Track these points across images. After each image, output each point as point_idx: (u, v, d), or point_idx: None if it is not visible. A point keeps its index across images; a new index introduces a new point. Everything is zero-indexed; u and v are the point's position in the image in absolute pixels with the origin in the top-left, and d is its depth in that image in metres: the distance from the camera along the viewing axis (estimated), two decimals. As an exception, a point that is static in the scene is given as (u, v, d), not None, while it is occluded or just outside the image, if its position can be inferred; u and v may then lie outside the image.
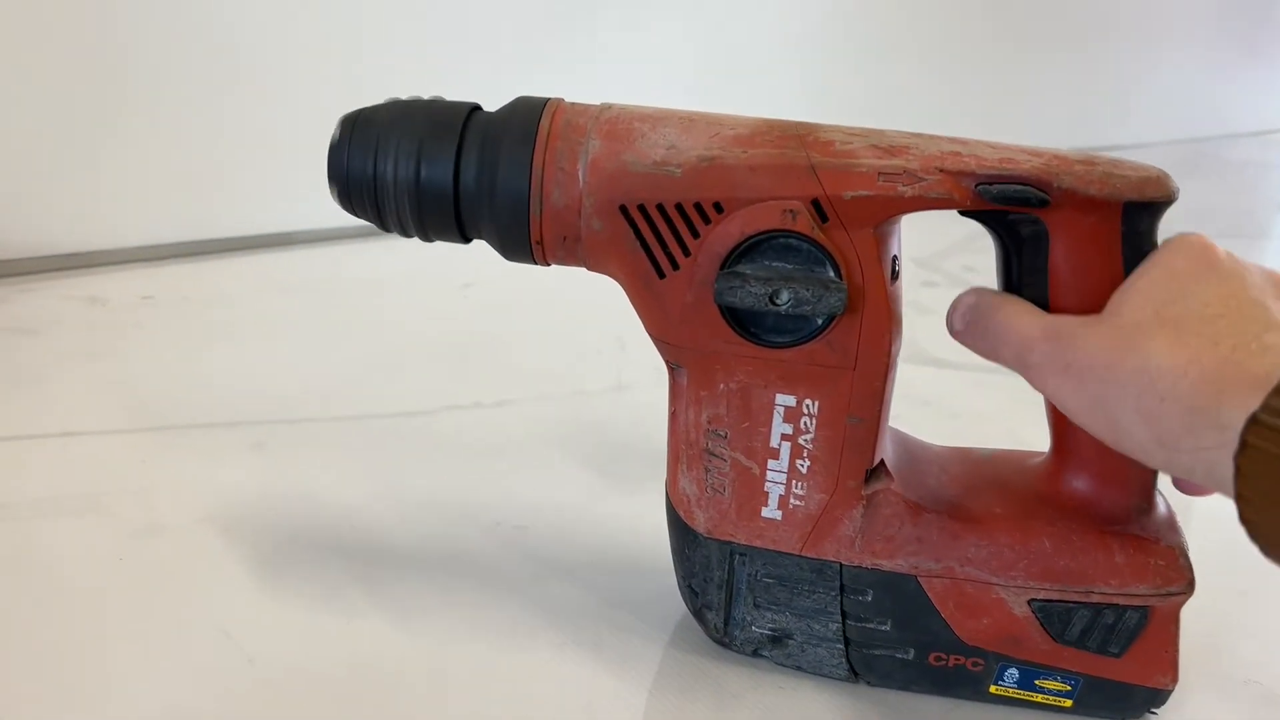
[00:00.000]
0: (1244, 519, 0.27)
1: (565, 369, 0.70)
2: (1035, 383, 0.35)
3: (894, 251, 0.37)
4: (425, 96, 0.39)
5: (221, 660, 0.41)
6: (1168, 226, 0.36)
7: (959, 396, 0.70)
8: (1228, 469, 0.27)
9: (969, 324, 0.37)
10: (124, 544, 0.48)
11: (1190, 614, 0.38)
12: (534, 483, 0.56)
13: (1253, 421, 0.26)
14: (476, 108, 0.38)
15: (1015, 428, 0.63)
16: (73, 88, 0.79)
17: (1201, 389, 0.28)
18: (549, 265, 0.39)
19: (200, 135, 0.85)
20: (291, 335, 0.75)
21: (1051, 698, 0.40)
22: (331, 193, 0.38)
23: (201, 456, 0.56)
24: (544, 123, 0.37)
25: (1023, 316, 0.35)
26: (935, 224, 0.36)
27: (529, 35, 0.99)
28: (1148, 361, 0.30)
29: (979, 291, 0.37)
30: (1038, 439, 0.41)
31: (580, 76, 1.03)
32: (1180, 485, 0.37)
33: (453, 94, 0.39)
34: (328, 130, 0.38)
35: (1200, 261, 0.33)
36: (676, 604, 0.44)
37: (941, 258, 0.99)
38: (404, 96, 0.39)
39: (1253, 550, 0.28)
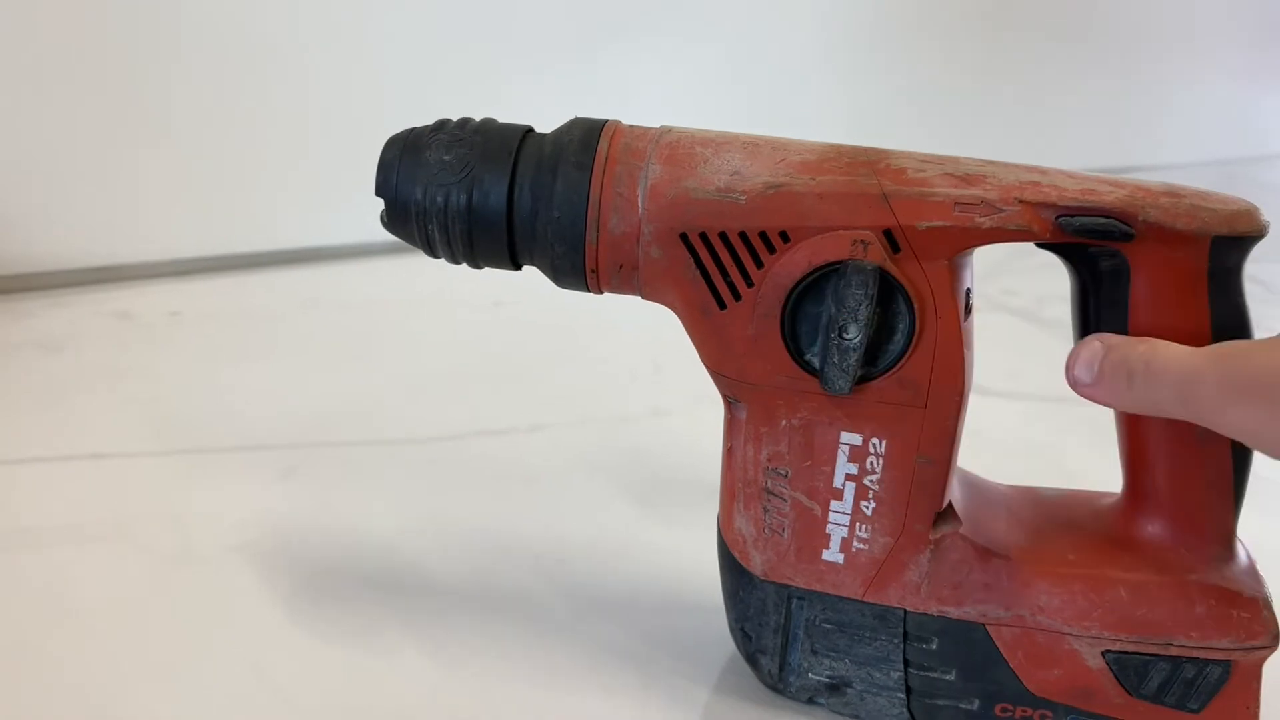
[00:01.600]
0: None
1: (599, 392, 0.69)
2: (1211, 418, 0.30)
3: (968, 284, 0.35)
4: (476, 118, 0.37)
5: (254, 699, 0.40)
6: None
7: (1007, 427, 0.68)
8: None
9: (1102, 374, 0.33)
10: (153, 573, 0.47)
11: (1272, 666, 0.36)
12: (572, 513, 0.54)
13: None
14: (530, 130, 0.37)
15: (1068, 460, 0.61)
16: (100, 100, 0.78)
17: None
18: (602, 293, 0.37)
19: (230, 148, 0.84)
20: (319, 354, 0.73)
21: (1124, 753, 0.38)
22: (380, 218, 0.37)
23: (232, 482, 0.55)
24: (602, 146, 0.35)
25: (1173, 349, 0.32)
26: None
27: (559, 57, 0.98)
28: None
29: (1103, 337, 0.34)
30: (1086, 469, 0.39)
31: (612, 98, 1.02)
32: None
33: (484, 114, 0.38)
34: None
35: None
36: (724, 645, 0.43)
37: (981, 280, 0.96)
38: (453, 117, 0.38)
39: None
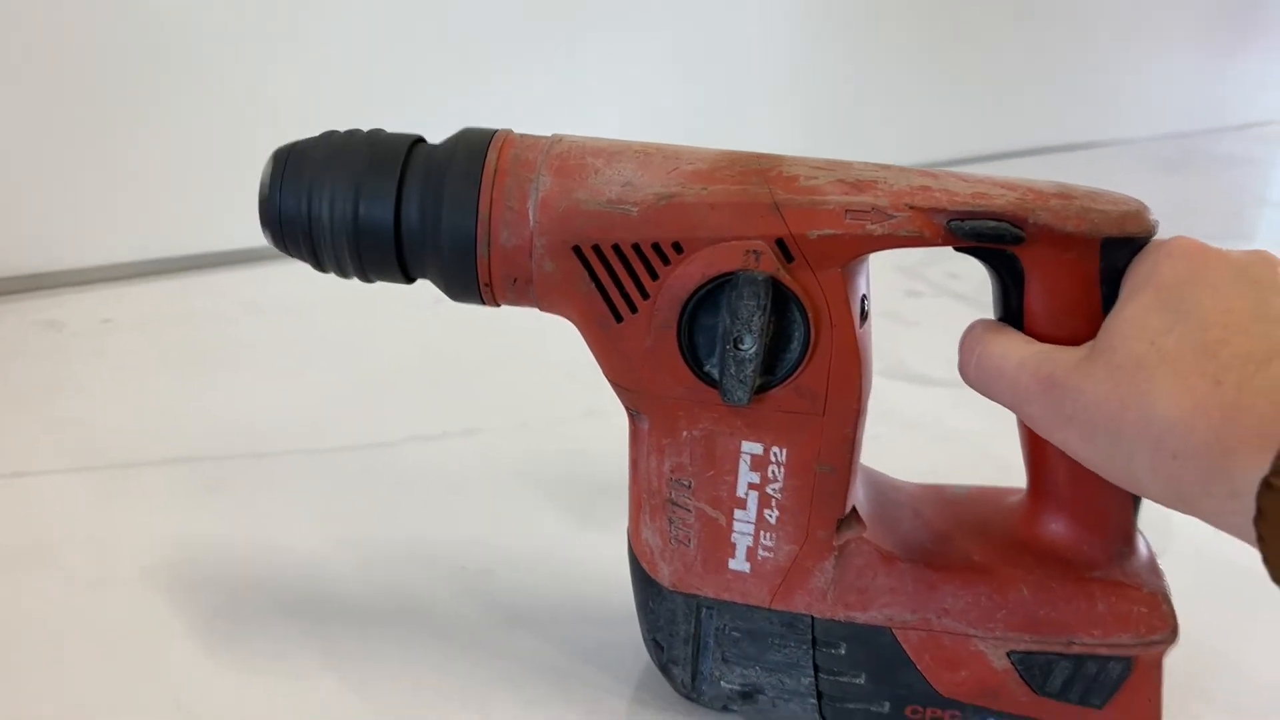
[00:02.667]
0: (1276, 579, 0.25)
1: (536, 394, 0.68)
2: (1041, 432, 0.33)
3: (863, 291, 0.35)
4: (364, 128, 0.37)
5: None
6: (1163, 227, 0.34)
7: (942, 416, 0.68)
8: (1251, 531, 0.25)
9: (968, 359, 0.35)
10: (71, 599, 0.46)
11: (1178, 653, 0.37)
12: (502, 522, 0.54)
13: (1266, 487, 0.25)
14: (419, 140, 0.36)
15: (1003, 449, 0.61)
16: (26, 103, 0.76)
17: (1212, 446, 0.27)
18: (499, 306, 0.37)
19: (160, 149, 0.82)
20: (254, 360, 0.72)
21: (1033, 750, 0.38)
22: (264, 234, 0.36)
23: (157, 498, 0.54)
24: (491, 157, 0.34)
25: (1014, 355, 0.33)
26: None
27: (505, 53, 0.97)
28: (1153, 413, 0.28)
29: (981, 324, 0.35)
30: (1019, 458, 0.39)
31: (554, 103, 1.01)
32: None
33: (425, 121, 0.37)
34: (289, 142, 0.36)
35: (1190, 269, 0.30)
36: (643, 655, 0.42)
37: (925, 265, 0.96)
38: (342, 129, 0.37)
39: (1237, 582, 0.26)
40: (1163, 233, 0.33)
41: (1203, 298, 0.29)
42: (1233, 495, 0.26)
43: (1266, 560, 0.25)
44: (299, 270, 0.37)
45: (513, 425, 0.64)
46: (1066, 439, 0.31)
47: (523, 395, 0.68)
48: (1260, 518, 0.25)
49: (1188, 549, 0.49)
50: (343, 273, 0.36)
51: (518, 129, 0.36)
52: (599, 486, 0.56)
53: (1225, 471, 0.26)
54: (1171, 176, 1.45)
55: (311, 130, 0.37)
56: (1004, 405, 0.34)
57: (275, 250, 0.37)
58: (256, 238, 0.36)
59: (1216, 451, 0.26)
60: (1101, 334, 0.31)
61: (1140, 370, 0.29)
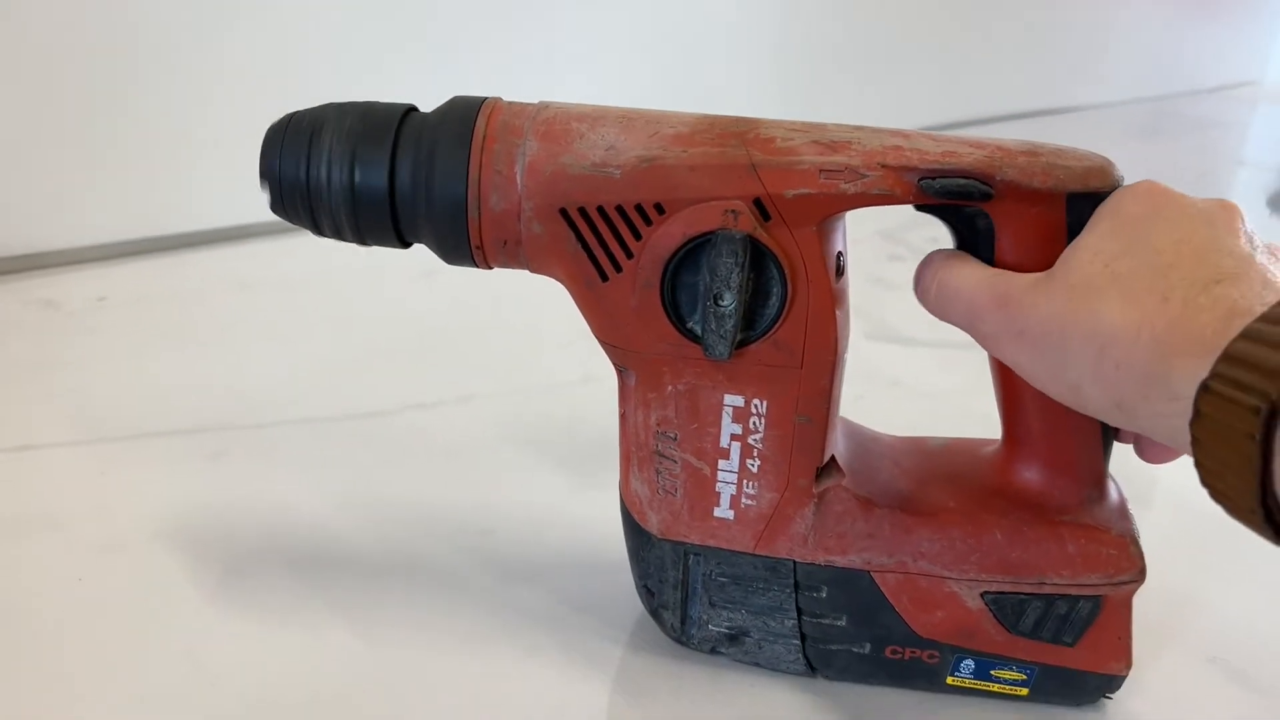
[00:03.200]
0: (1205, 483, 0.27)
1: (532, 361, 0.70)
2: (992, 350, 0.34)
3: (839, 248, 0.37)
4: (360, 100, 0.38)
5: (186, 683, 0.41)
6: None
7: (927, 375, 0.70)
8: (1186, 435, 0.27)
9: (926, 285, 0.36)
10: (83, 563, 0.47)
11: (1156, 593, 0.38)
12: (499, 483, 0.55)
13: (1204, 390, 0.26)
14: (412, 109, 0.38)
15: (984, 406, 0.63)
16: (17, 86, 0.77)
17: (1153, 354, 0.28)
18: (491, 268, 0.38)
19: (151, 130, 0.83)
20: (249, 334, 0.74)
21: (1008, 687, 0.40)
22: (265, 199, 0.38)
23: (160, 467, 0.55)
24: (480, 124, 0.36)
25: (971, 278, 0.35)
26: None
27: (481, 27, 0.97)
28: (1099, 325, 0.29)
29: (939, 254, 0.37)
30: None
31: (536, 72, 1.02)
32: (1144, 454, 0.37)
33: (405, 93, 0.38)
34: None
35: (1151, 206, 0.32)
36: (636, 603, 0.44)
37: (906, 229, 0.98)
38: (339, 100, 0.38)
39: (1218, 528, 0.27)
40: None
41: (1160, 229, 0.31)
42: (1171, 399, 0.27)
43: (1198, 464, 0.26)
44: (291, 246, 0.38)
45: (507, 391, 0.66)
46: (1017, 355, 0.33)
47: (519, 362, 0.70)
48: (1196, 419, 0.26)
49: (1169, 502, 0.50)
50: (340, 236, 0.38)
51: (505, 98, 0.38)
52: (594, 448, 0.58)
53: (1164, 378, 0.27)
54: (1146, 140, 1.45)
55: (300, 106, 0.38)
56: (960, 326, 0.35)
57: (266, 227, 0.38)
58: (247, 215, 0.38)
59: (1157, 359, 0.28)
60: (1059, 261, 0.33)
61: (1092, 288, 0.30)
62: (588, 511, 0.52)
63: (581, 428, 0.61)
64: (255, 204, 0.37)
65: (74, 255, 0.83)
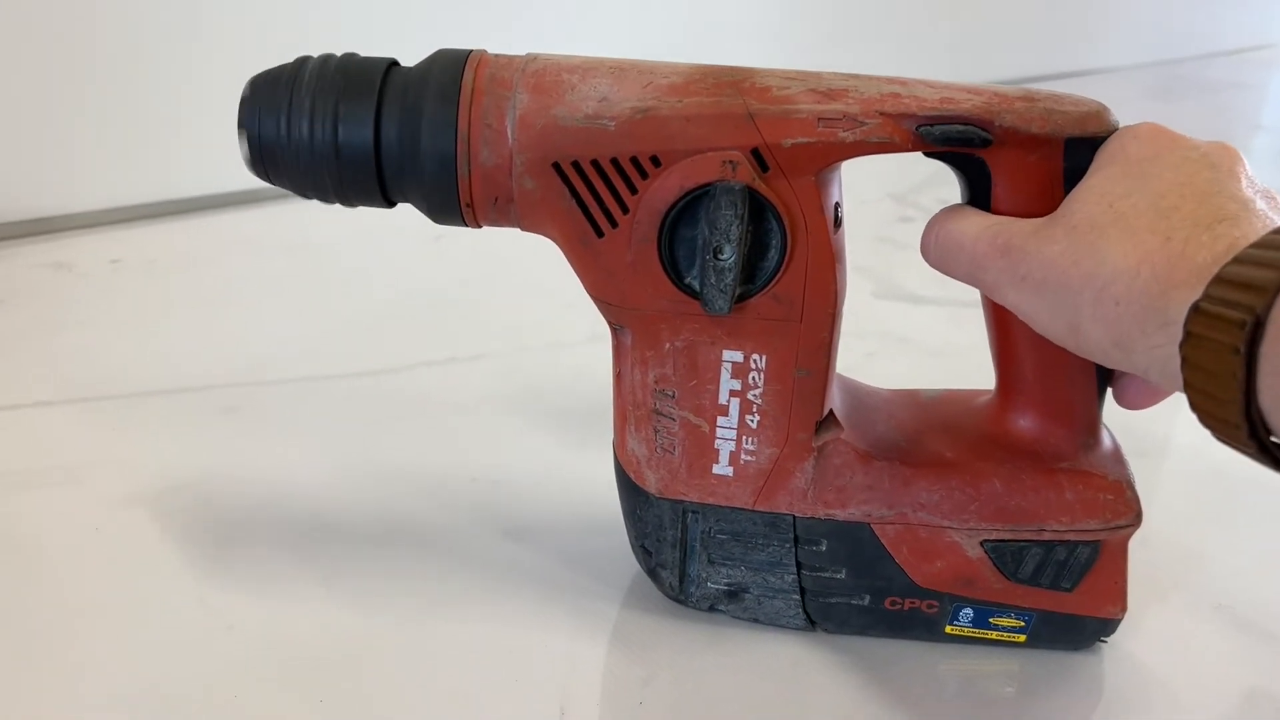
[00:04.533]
0: (1194, 406, 0.27)
1: (539, 319, 0.69)
2: (994, 296, 0.34)
3: (835, 199, 0.36)
4: (338, 54, 0.37)
5: (200, 630, 0.41)
6: None
7: (935, 332, 0.70)
8: (1177, 362, 0.27)
9: (930, 240, 0.36)
10: (101, 515, 0.47)
11: (1163, 544, 0.39)
12: (503, 441, 0.55)
13: (1194, 310, 0.26)
14: (394, 63, 0.36)
15: (985, 359, 0.63)
16: (29, 49, 0.75)
17: (1152, 288, 0.28)
18: (480, 227, 0.37)
19: (162, 91, 0.82)
20: (262, 295, 0.73)
21: (1006, 634, 0.40)
22: (244, 161, 0.36)
23: (174, 423, 0.55)
24: (467, 77, 0.35)
25: (972, 228, 0.34)
26: (909, 157, 0.36)
27: None
28: (1102, 265, 0.30)
29: (946, 209, 0.36)
30: None
31: (528, 26, 1.00)
32: (1124, 399, 0.37)
33: (414, 50, 0.37)
34: None
35: (1154, 149, 0.32)
36: (632, 562, 0.44)
37: (917, 192, 0.98)
38: (317, 54, 0.37)
39: (1226, 474, 0.28)
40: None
41: (1163, 172, 0.31)
42: (1166, 326, 0.27)
43: (1187, 384, 0.27)
44: (302, 209, 0.37)
45: (516, 349, 0.66)
46: (1019, 300, 0.32)
47: (524, 322, 0.69)
48: (1185, 340, 0.26)
49: (1179, 456, 0.51)
50: (324, 197, 0.37)
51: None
52: (599, 406, 0.57)
53: (1162, 310, 0.28)
54: (1162, 104, 1.46)
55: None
56: (961, 277, 0.35)
57: (278, 191, 0.37)
58: (253, 179, 0.37)
59: (1155, 293, 0.28)
60: (1063, 204, 0.33)
61: (1094, 229, 0.30)
62: (589, 469, 0.52)
63: (586, 385, 0.61)
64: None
65: (88, 219, 0.82)
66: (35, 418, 0.56)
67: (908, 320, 0.72)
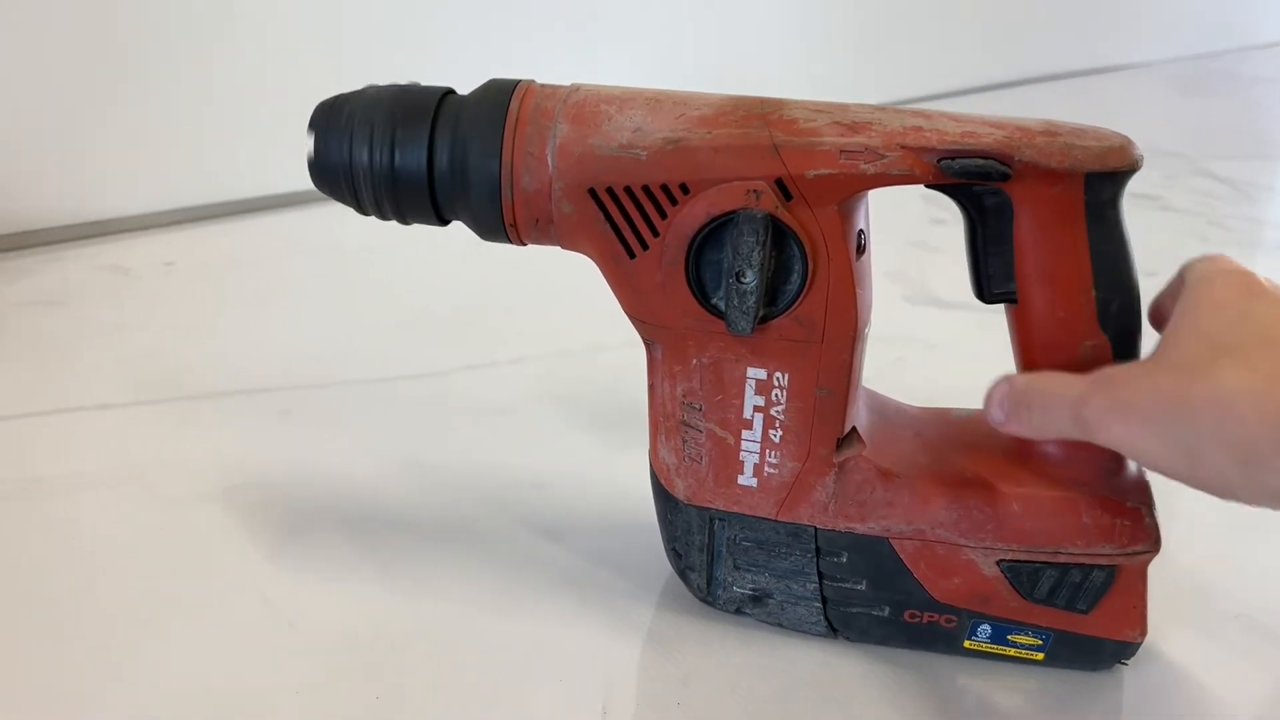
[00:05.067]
0: None
1: (579, 324, 0.71)
2: (1099, 435, 0.34)
3: (860, 226, 0.38)
4: (402, 81, 0.40)
5: (263, 626, 0.44)
6: (1181, 149, 0.36)
7: (964, 338, 0.70)
8: None
9: (1011, 409, 0.37)
10: (164, 514, 0.51)
11: (1181, 549, 0.39)
12: (543, 443, 0.58)
13: None
14: (449, 92, 0.39)
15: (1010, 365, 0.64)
16: (87, 54, 0.80)
17: None
18: (525, 245, 0.40)
19: (215, 95, 0.86)
20: (310, 296, 0.77)
21: (1024, 651, 0.41)
22: (311, 180, 0.40)
23: (233, 425, 0.59)
24: (513, 107, 0.37)
25: (1064, 379, 0.35)
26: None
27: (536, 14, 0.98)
28: (1220, 388, 0.30)
29: (1009, 378, 0.38)
30: None
31: (573, 50, 1.03)
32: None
33: (447, 67, 0.40)
34: (343, 85, 0.39)
35: (1243, 289, 0.33)
36: (666, 563, 0.46)
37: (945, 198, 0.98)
38: (382, 82, 0.40)
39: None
40: (1189, 156, 0.35)
41: (1260, 307, 0.32)
42: None
43: None
44: (348, 212, 0.40)
45: (554, 353, 0.68)
46: (1126, 431, 0.33)
47: (564, 326, 0.72)
48: None
49: None
50: (382, 215, 0.40)
51: (540, 78, 0.39)
52: (636, 410, 0.59)
53: None
54: (1196, 98, 1.41)
55: (354, 74, 0.40)
56: (1058, 426, 0.35)
57: (320, 193, 0.40)
58: (302, 182, 0.40)
59: None
60: (1156, 350, 0.34)
61: (1201, 361, 0.32)
62: (624, 471, 0.54)
63: (624, 388, 0.63)
64: None
65: (142, 221, 0.86)
66: (98, 419, 0.59)
67: (937, 326, 0.72)
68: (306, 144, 0.39)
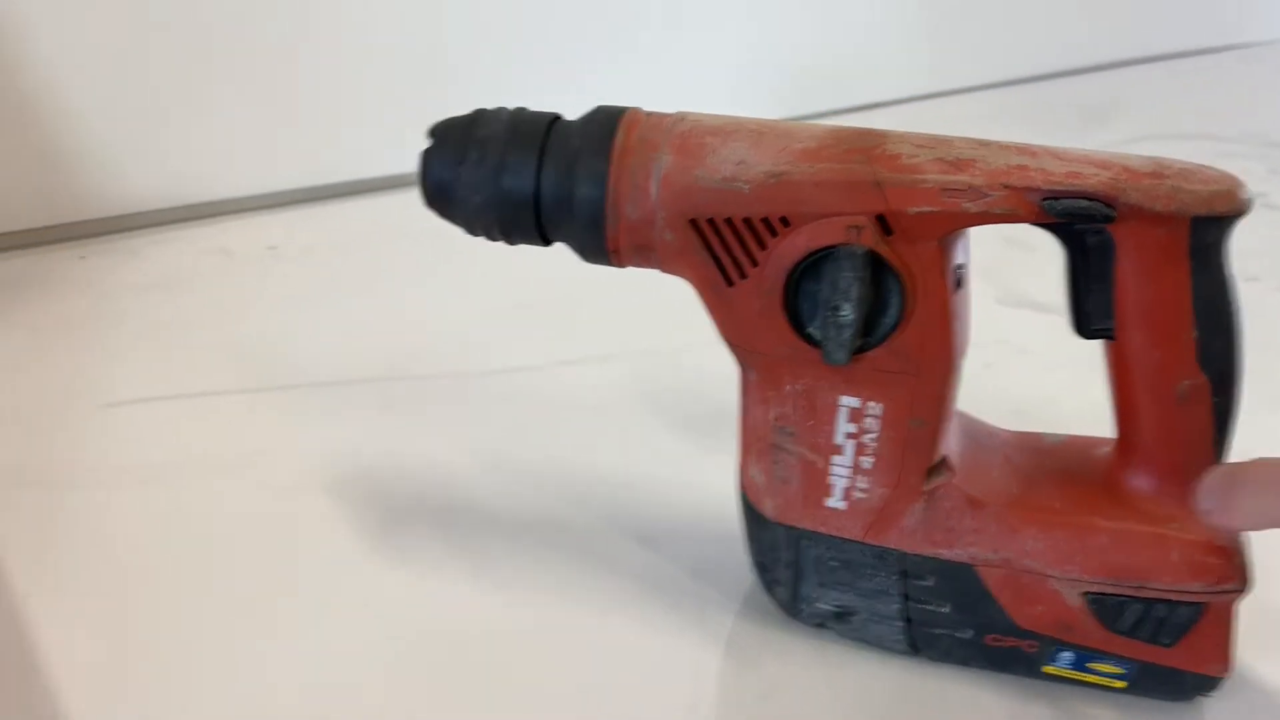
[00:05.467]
0: None
1: (672, 324, 0.69)
2: None
3: (959, 260, 0.38)
4: (510, 107, 0.41)
5: (362, 618, 0.46)
6: None
7: (1055, 344, 0.69)
8: None
9: (1222, 500, 0.37)
10: (271, 503, 0.53)
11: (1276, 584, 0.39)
12: (632, 443, 0.59)
13: None
14: (557, 118, 0.40)
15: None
16: (191, 35, 0.81)
17: None
18: (625, 268, 0.41)
19: (320, 77, 0.87)
20: (408, 283, 0.78)
21: (1104, 679, 0.42)
22: (423, 200, 0.41)
23: (335, 414, 0.61)
24: (619, 137, 0.38)
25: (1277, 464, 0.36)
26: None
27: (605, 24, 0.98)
28: None
29: (1220, 468, 0.38)
30: None
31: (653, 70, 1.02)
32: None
33: (554, 83, 0.41)
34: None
35: None
36: (750, 572, 0.47)
37: None
38: (489, 105, 0.41)
39: None
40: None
41: None
42: None
43: None
44: None
45: (645, 352, 0.69)
46: None
47: (657, 325, 0.70)
48: None
49: None
50: (489, 236, 0.41)
51: (645, 99, 0.40)
52: (722, 412, 0.60)
53: None
54: None
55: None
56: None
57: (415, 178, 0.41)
58: (404, 164, 0.41)
59: None
60: None
61: None
62: (713, 478, 0.54)
63: (714, 391, 0.62)
64: (414, 153, 0.40)
65: (245, 204, 0.88)
66: (203, 406, 0.61)
67: (1029, 330, 0.70)
68: (418, 165, 0.40)
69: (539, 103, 0.41)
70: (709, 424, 0.60)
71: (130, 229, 0.83)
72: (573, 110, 0.41)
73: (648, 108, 0.40)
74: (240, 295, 0.75)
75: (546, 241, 0.41)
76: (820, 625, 0.45)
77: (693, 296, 0.40)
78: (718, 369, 0.66)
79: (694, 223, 0.38)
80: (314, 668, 0.44)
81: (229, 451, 0.57)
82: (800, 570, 0.43)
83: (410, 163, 0.40)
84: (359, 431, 0.59)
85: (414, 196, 0.41)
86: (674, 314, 0.72)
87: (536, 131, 0.39)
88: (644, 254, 0.39)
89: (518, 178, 0.39)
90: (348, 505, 0.53)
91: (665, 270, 0.40)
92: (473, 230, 0.41)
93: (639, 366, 0.67)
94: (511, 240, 0.41)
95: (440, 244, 0.85)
